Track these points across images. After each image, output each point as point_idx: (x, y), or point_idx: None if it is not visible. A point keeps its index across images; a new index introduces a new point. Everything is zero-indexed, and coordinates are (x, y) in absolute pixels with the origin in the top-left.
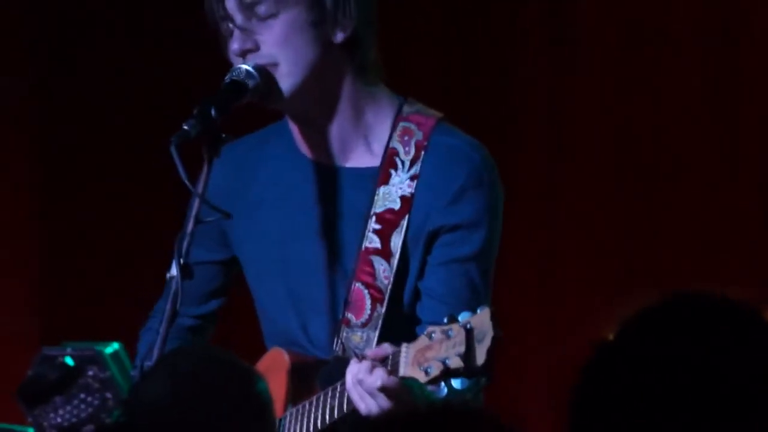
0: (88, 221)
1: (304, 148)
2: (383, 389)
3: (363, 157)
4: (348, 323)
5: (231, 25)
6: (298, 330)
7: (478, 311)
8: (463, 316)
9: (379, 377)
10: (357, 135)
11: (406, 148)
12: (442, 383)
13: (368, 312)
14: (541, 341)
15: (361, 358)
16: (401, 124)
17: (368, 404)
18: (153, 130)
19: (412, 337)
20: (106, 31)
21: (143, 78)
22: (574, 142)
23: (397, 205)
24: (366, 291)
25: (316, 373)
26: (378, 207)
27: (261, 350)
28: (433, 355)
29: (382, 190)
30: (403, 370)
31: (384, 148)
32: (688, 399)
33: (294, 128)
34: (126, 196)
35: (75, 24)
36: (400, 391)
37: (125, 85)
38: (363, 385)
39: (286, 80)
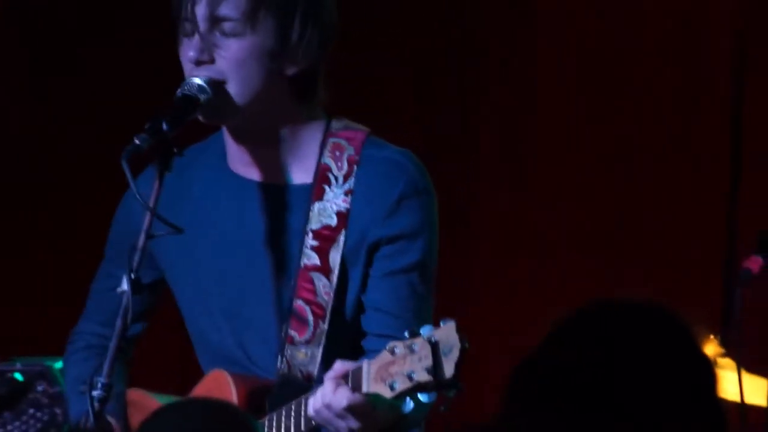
0: (32, 229)
1: (237, 165)
2: (350, 408)
3: (296, 175)
4: (291, 341)
5: (191, 28)
6: (235, 348)
7: (442, 324)
8: (426, 330)
9: (344, 396)
10: (291, 153)
11: (338, 164)
12: (408, 398)
13: (311, 329)
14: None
15: (307, 377)
16: (331, 140)
17: (337, 426)
18: (108, 136)
19: (357, 351)
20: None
21: (88, 82)
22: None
23: (333, 221)
24: (308, 308)
25: (263, 393)
26: (314, 224)
27: None
28: (397, 369)
29: (317, 206)
30: (367, 387)
31: (315, 165)
32: (605, 407)
33: (229, 145)
34: (74, 204)
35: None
36: (366, 408)
37: (72, 90)
38: (331, 409)
39: (233, 99)
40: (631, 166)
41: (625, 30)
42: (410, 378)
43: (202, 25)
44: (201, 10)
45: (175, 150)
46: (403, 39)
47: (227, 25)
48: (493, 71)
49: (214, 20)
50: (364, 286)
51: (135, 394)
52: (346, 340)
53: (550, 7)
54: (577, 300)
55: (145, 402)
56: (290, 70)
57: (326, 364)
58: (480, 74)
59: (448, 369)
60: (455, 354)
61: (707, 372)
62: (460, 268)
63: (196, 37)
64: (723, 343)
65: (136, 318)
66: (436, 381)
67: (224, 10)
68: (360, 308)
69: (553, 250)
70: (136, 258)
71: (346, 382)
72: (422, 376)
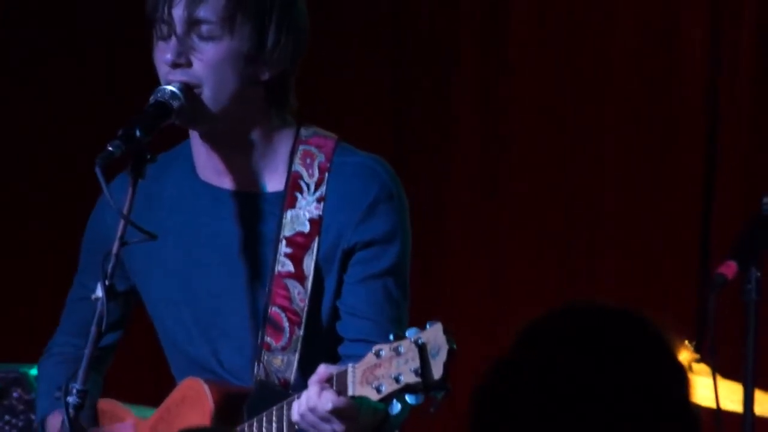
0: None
1: (208, 174)
2: (335, 411)
3: (269, 183)
4: (268, 347)
5: (168, 31)
6: (209, 356)
7: (428, 326)
8: (411, 332)
9: (329, 399)
10: (262, 161)
11: (310, 171)
12: (394, 400)
13: (287, 335)
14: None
15: (284, 383)
16: (301, 147)
17: (322, 430)
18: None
19: (333, 357)
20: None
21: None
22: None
23: (306, 228)
24: (283, 314)
25: (238, 400)
26: (287, 231)
27: None
28: (383, 372)
29: (289, 213)
30: (352, 390)
31: (287, 173)
32: (577, 410)
33: (199, 154)
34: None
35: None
36: (351, 411)
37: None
38: (316, 412)
39: (208, 104)
40: (606, 169)
41: (598, 36)
42: (397, 380)
43: (180, 28)
44: (178, 13)
45: (149, 156)
46: (380, 40)
47: (205, 28)
48: (469, 75)
49: (192, 23)
50: (339, 292)
51: (107, 405)
52: (323, 345)
53: (525, 14)
54: (548, 303)
55: (118, 413)
56: (265, 76)
57: (302, 371)
58: (455, 79)
59: (437, 370)
60: (443, 355)
61: (680, 377)
62: (433, 269)
63: (173, 39)
64: (698, 348)
65: (110, 327)
66: (425, 382)
67: (202, 13)
68: (335, 314)
69: (528, 253)
70: (110, 264)
71: (331, 386)
72: (410, 378)
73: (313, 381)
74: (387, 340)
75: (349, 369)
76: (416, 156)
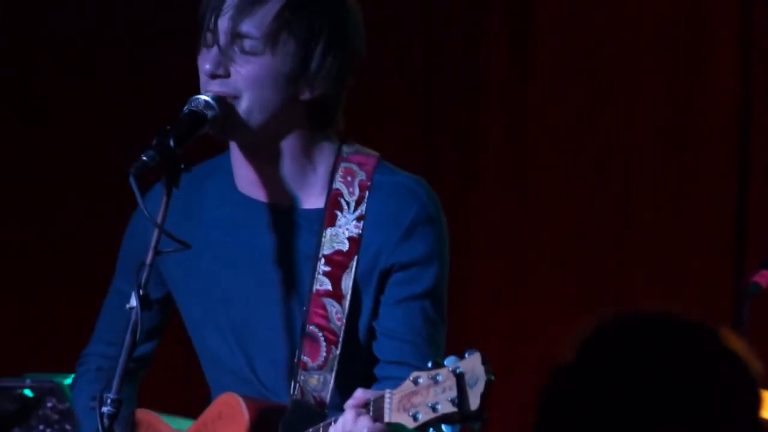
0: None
1: (246, 185)
2: None
3: (308, 199)
4: (304, 366)
5: (212, 40)
6: (246, 368)
7: (467, 356)
8: (450, 361)
9: (365, 425)
10: (303, 176)
11: (350, 189)
12: (431, 429)
13: (324, 354)
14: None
15: (319, 402)
16: (342, 164)
17: None
18: (109, 137)
19: (368, 377)
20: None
21: (87, 82)
22: (540, 155)
23: (345, 247)
24: (320, 333)
25: (275, 417)
26: (326, 249)
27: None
28: (420, 400)
29: (329, 231)
30: (389, 416)
31: (327, 190)
32: (648, 418)
33: (238, 165)
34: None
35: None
36: None
37: (72, 89)
38: None
39: (244, 116)
40: (638, 175)
41: (625, 37)
42: (434, 409)
43: (222, 39)
44: (223, 24)
45: (183, 166)
46: (405, 43)
47: (247, 43)
48: (493, 88)
49: (235, 36)
50: (375, 313)
51: (144, 415)
52: (358, 365)
53: (552, 17)
54: (582, 311)
55: (155, 424)
56: (305, 96)
57: (338, 390)
58: (483, 86)
59: (474, 401)
60: (481, 386)
61: (752, 391)
62: (460, 278)
63: (214, 49)
64: None
65: (146, 336)
66: (462, 413)
67: (246, 27)
68: (372, 334)
69: (560, 260)
70: (145, 274)
71: (368, 411)
72: (447, 408)
73: (350, 405)
74: (423, 364)
75: (386, 395)
76: (443, 159)
